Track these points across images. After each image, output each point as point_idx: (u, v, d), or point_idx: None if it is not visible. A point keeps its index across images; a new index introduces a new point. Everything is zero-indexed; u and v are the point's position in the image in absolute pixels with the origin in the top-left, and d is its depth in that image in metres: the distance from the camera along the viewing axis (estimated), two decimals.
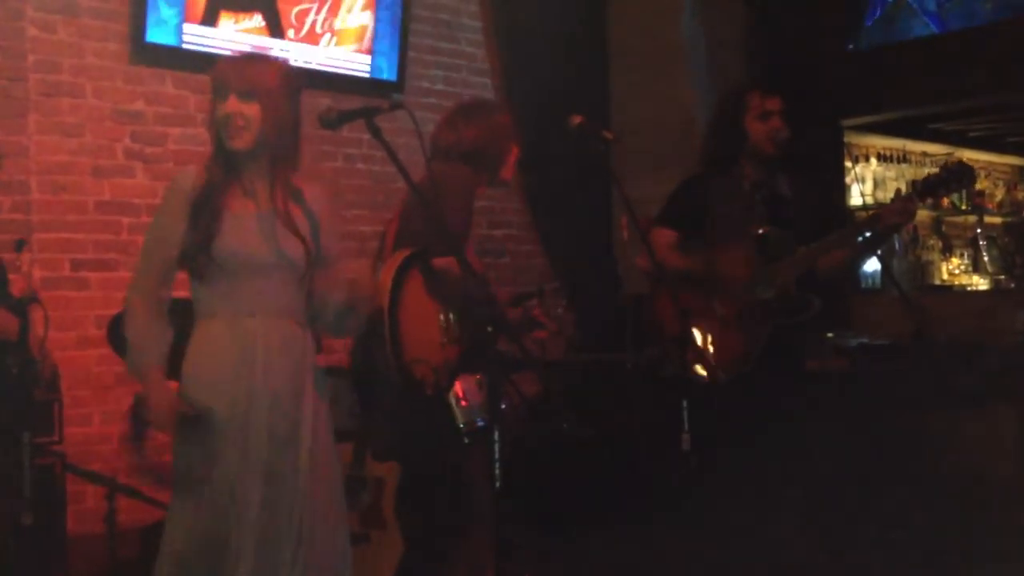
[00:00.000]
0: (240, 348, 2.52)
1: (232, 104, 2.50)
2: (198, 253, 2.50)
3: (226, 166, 2.57)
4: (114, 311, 4.21)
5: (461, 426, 3.14)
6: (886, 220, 3.51)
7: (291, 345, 2.58)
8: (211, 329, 2.56)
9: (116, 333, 3.95)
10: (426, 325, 2.99)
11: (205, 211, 2.51)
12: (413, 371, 2.84)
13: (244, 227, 2.53)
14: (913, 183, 3.73)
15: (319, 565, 2.54)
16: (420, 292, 3.00)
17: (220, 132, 2.53)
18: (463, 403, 3.16)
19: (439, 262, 3.01)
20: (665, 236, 3.73)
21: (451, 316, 3.03)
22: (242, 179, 2.58)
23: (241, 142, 2.52)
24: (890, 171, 7.05)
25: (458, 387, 3.13)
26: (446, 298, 3.02)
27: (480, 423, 3.13)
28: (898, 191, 6.55)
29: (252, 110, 2.50)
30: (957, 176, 3.54)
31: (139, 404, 2.55)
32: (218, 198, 2.53)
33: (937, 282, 7.18)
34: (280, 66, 2.63)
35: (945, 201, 7.39)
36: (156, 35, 4.74)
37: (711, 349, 3.59)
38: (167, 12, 4.75)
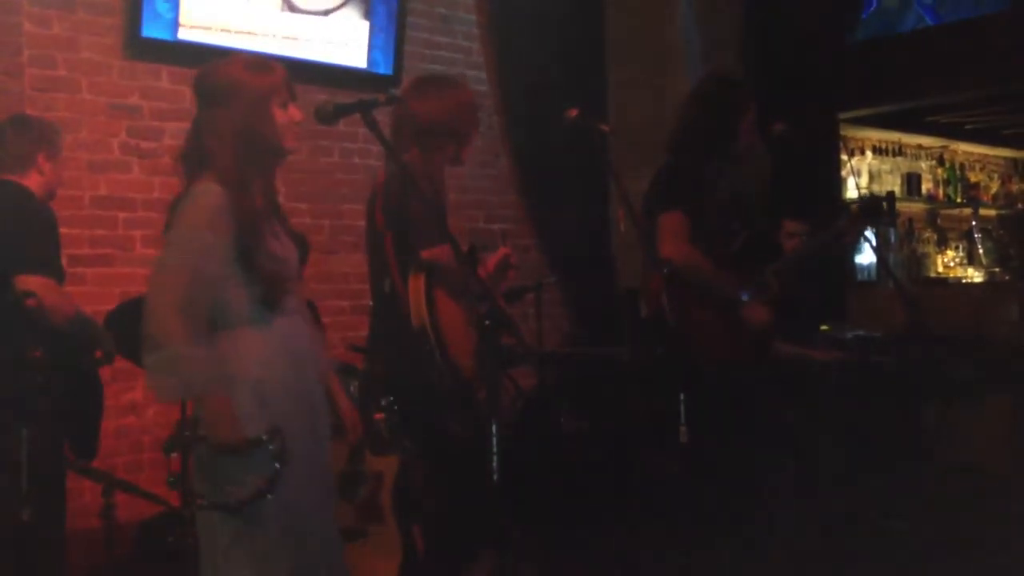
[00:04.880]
0: (292, 350, 2.53)
1: (296, 111, 2.58)
2: (251, 267, 2.48)
3: (261, 173, 2.58)
4: (110, 307, 4.21)
5: None
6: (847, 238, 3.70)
7: (315, 342, 2.64)
8: (259, 335, 2.51)
9: (112, 329, 3.96)
10: (456, 322, 3.03)
11: (254, 226, 2.50)
12: (462, 371, 2.91)
13: (273, 232, 2.56)
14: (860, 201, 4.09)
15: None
16: (444, 296, 3.03)
17: (285, 134, 2.57)
18: None
19: (427, 254, 3.02)
20: (679, 222, 3.60)
21: (469, 304, 3.07)
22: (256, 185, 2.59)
23: (297, 144, 2.61)
24: (885, 164, 7.06)
25: None
26: (453, 288, 3.04)
27: None
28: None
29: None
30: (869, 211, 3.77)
31: (190, 426, 2.51)
32: (259, 212, 2.55)
33: (932, 274, 7.20)
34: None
35: (940, 194, 7.42)
36: (151, 30, 4.73)
37: (725, 342, 3.62)
38: (162, 7, 4.74)
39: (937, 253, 7.33)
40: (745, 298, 3.63)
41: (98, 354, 3.72)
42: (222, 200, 2.46)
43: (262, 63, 2.62)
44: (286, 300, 2.53)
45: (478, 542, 3.24)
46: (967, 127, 7.48)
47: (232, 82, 2.54)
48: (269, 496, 2.36)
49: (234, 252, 2.45)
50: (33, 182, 3.62)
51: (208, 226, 2.44)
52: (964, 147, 7.70)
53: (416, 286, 3.00)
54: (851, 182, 6.59)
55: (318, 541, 2.51)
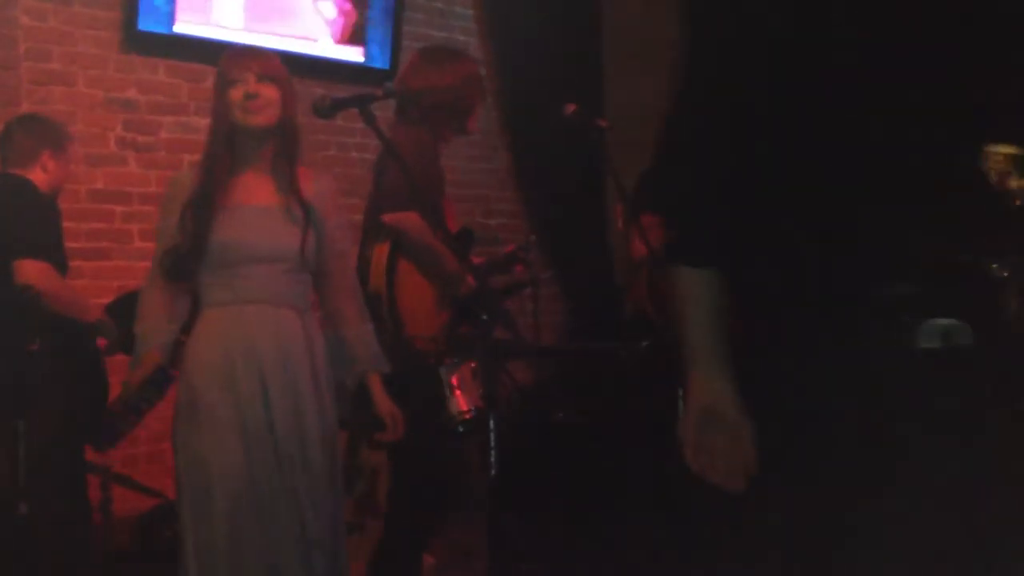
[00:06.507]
0: (238, 336, 2.56)
1: (252, 84, 2.57)
2: (192, 248, 2.56)
3: (230, 154, 2.59)
4: (107, 300, 4.20)
5: (454, 415, 3.14)
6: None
7: (287, 331, 2.59)
8: (210, 318, 2.60)
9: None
10: (422, 297, 3.02)
11: (201, 206, 2.56)
12: (415, 345, 2.89)
13: (241, 219, 2.57)
14: None
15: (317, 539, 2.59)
16: (412, 271, 3.02)
17: (235, 112, 2.59)
18: (456, 392, 3.17)
19: (388, 218, 3.01)
20: (652, 221, 3.72)
21: (445, 285, 3.06)
22: (243, 169, 2.61)
23: (263, 118, 2.59)
24: None
25: (453, 376, 3.13)
26: (422, 263, 3.03)
27: (473, 411, 3.13)
28: None
29: (271, 91, 2.59)
30: None
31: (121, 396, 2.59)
32: (216, 193, 2.57)
33: None
34: (282, 62, 2.73)
35: None
36: (148, 23, 4.72)
37: None
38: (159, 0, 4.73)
39: None
40: None
41: (101, 343, 3.73)
42: (187, 179, 2.64)
43: (229, 50, 2.74)
44: (232, 286, 2.57)
45: (428, 534, 3.26)
46: None
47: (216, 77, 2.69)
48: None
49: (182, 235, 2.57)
50: (36, 178, 3.63)
51: (169, 208, 2.64)
52: None
53: (379, 252, 3.01)
54: None
55: (230, 509, 2.53)
